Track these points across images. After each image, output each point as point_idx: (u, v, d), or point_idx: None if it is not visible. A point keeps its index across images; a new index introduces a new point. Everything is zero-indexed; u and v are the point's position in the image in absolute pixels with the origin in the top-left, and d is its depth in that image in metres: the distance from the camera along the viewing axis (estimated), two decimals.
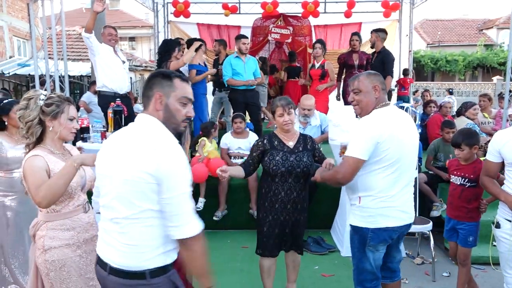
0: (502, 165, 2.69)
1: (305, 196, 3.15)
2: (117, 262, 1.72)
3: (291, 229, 3.15)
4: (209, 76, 6.52)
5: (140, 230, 1.69)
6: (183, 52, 6.06)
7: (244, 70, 6.03)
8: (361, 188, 2.49)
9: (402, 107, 3.88)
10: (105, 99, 5.14)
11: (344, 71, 6.81)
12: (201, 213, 4.72)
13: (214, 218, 4.76)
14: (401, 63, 9.93)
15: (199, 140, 4.90)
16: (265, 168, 3.09)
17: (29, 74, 10.27)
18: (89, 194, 2.55)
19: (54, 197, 2.08)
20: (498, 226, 2.65)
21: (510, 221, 2.56)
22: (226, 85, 6.24)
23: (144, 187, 1.64)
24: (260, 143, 3.14)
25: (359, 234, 2.57)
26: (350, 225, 2.63)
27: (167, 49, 5.39)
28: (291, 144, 3.12)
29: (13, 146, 3.30)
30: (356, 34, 6.77)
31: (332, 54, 9.11)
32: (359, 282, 2.65)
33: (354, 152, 2.38)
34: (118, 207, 1.70)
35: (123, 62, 5.40)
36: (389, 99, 2.87)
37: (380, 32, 6.22)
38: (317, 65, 6.48)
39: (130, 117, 5.66)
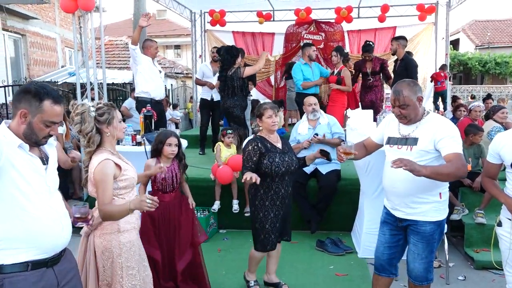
0: None
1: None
2: None
3: (287, 219, 3.50)
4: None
5: None
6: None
7: (313, 75, 6.65)
8: (442, 184, 2.69)
9: None
10: (143, 104, 5.56)
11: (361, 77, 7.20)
12: (235, 214, 5.02)
13: (245, 214, 5.04)
14: (438, 67, 9.74)
15: (216, 145, 5.21)
16: (265, 170, 3.23)
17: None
18: None
19: (109, 220, 2.39)
20: (500, 224, 2.68)
21: (510, 219, 2.59)
22: (301, 89, 6.61)
23: None
24: (256, 147, 3.26)
25: (441, 227, 2.76)
26: (433, 222, 2.71)
27: (232, 55, 5.67)
28: (279, 145, 3.38)
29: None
30: (367, 51, 6.93)
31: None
32: (431, 271, 2.83)
33: (459, 149, 2.55)
34: None
35: (160, 71, 5.90)
36: None
37: (401, 40, 6.27)
38: (335, 71, 6.66)
39: (162, 122, 6.05)
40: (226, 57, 5.68)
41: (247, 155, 3.27)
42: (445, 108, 9.56)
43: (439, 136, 2.54)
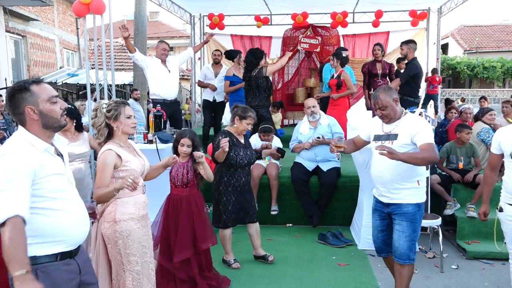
0: None
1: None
2: None
3: (248, 203, 4.08)
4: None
5: None
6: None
7: None
8: (419, 173, 3.11)
9: (413, 112, 4.23)
10: (155, 105, 5.78)
11: (368, 79, 7.20)
12: None
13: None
14: (429, 71, 10.08)
15: None
16: (231, 161, 3.85)
17: (77, 83, 11.17)
18: None
19: (100, 202, 2.63)
20: (501, 210, 3.03)
21: (511, 204, 2.95)
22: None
23: None
24: (225, 138, 3.81)
25: (421, 208, 3.14)
26: (414, 204, 3.09)
27: (256, 57, 5.93)
28: (242, 141, 4.01)
29: (68, 143, 3.92)
30: (379, 44, 7.10)
31: (360, 62, 9.43)
32: (414, 251, 3.14)
33: (431, 140, 3.00)
34: None
35: (169, 71, 6.02)
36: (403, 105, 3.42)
37: (411, 44, 6.32)
38: (335, 75, 6.68)
39: (177, 122, 6.24)
40: (250, 59, 5.92)
41: (217, 142, 3.82)
42: (436, 111, 9.90)
43: (414, 131, 2.99)
